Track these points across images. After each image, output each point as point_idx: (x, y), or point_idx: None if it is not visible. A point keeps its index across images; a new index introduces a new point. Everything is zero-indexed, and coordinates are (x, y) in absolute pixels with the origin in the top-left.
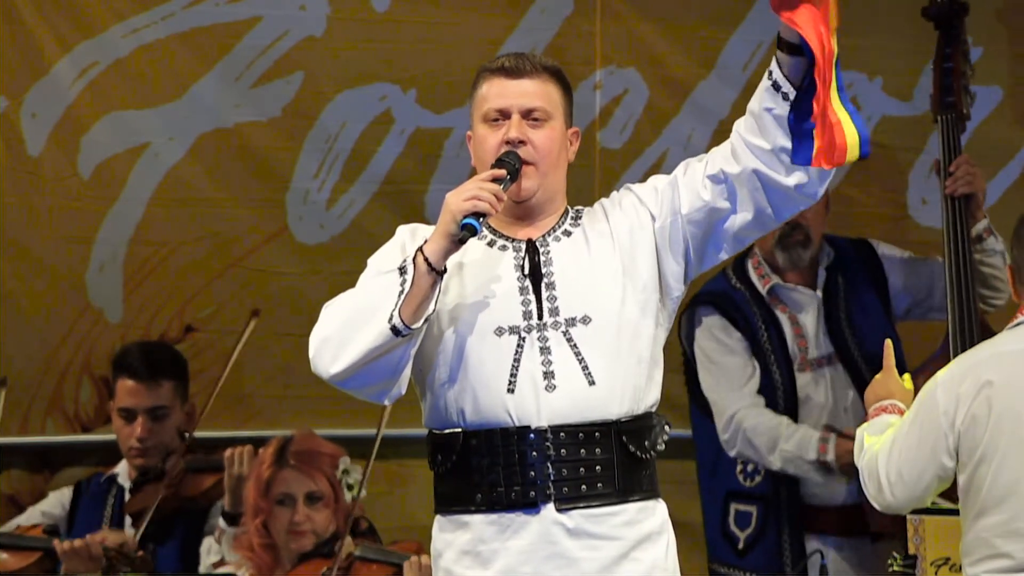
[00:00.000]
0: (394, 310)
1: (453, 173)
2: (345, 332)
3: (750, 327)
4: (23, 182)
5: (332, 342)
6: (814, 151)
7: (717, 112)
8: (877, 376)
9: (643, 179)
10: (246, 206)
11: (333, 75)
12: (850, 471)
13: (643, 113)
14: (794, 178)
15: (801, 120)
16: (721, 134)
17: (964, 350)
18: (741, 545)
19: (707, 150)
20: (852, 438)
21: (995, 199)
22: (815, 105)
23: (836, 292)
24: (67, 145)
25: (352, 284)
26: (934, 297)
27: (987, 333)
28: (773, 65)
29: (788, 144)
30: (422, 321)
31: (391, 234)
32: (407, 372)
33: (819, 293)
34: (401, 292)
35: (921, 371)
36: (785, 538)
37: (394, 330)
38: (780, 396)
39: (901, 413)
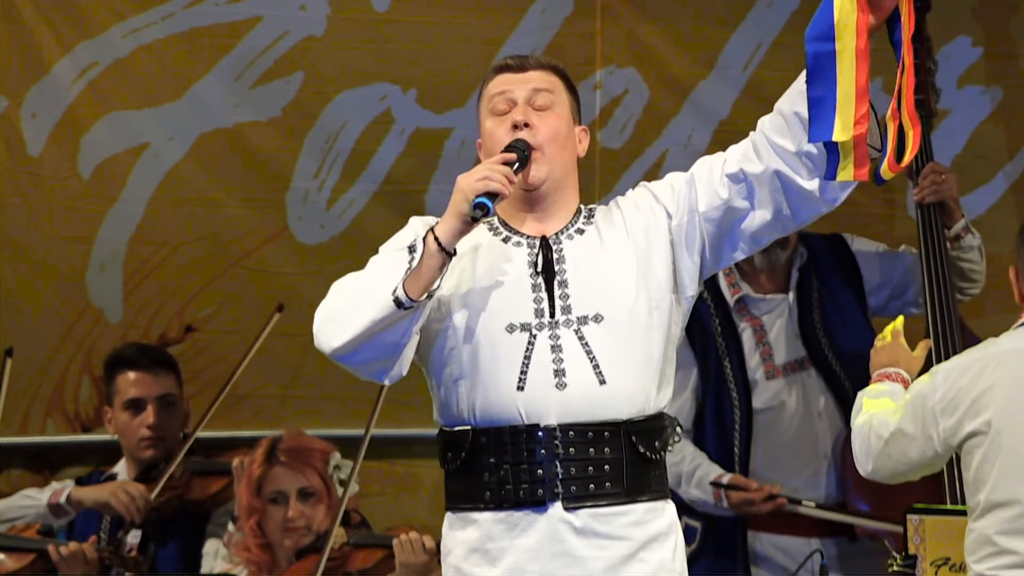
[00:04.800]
0: (399, 284)
1: (453, 173)
2: (349, 307)
3: (707, 343)
4: (23, 182)
5: (336, 317)
6: (841, 164)
7: (717, 112)
8: (886, 343)
9: (643, 179)
10: (246, 206)
11: (333, 75)
12: (744, 514)
13: (643, 113)
14: (815, 182)
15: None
16: (721, 134)
17: (944, 352)
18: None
19: (707, 150)
20: (740, 488)
21: (995, 199)
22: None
23: (809, 293)
24: (67, 145)
25: None
26: (910, 292)
27: (966, 333)
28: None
29: (813, 150)
30: (425, 295)
31: (391, 234)
32: (409, 352)
33: (791, 296)
34: (408, 269)
35: None
36: (739, 554)
37: (397, 302)
38: (736, 413)
39: (904, 382)
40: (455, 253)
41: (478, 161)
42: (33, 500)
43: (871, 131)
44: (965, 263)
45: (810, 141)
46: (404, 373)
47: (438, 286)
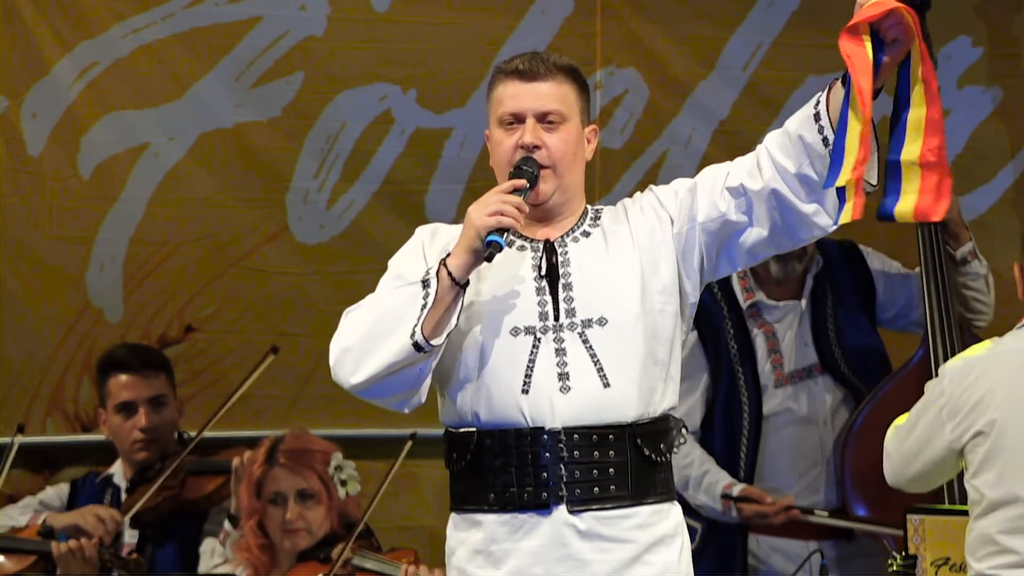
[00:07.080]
0: (416, 325)
1: (453, 173)
2: (367, 343)
3: (720, 347)
4: (23, 182)
5: (353, 352)
6: (845, 206)
7: (717, 112)
8: None
9: (644, 179)
10: (246, 206)
11: (333, 75)
12: (755, 526)
13: (643, 113)
14: (812, 207)
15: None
16: (721, 134)
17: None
18: None
19: (707, 150)
20: (752, 500)
21: (995, 199)
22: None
23: (824, 300)
24: (67, 145)
25: (352, 284)
26: (914, 313)
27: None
28: (823, 95)
29: (813, 175)
30: (443, 337)
31: (391, 234)
32: (428, 383)
33: (803, 302)
34: (424, 306)
35: (899, 375)
36: (738, 556)
37: (416, 346)
38: (745, 418)
39: None
40: (468, 283)
41: (486, 150)
42: (13, 522)
43: (869, 168)
44: (970, 292)
45: (824, 187)
46: (423, 400)
47: (456, 325)
